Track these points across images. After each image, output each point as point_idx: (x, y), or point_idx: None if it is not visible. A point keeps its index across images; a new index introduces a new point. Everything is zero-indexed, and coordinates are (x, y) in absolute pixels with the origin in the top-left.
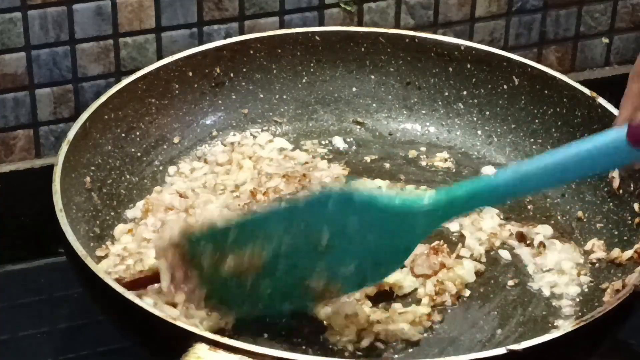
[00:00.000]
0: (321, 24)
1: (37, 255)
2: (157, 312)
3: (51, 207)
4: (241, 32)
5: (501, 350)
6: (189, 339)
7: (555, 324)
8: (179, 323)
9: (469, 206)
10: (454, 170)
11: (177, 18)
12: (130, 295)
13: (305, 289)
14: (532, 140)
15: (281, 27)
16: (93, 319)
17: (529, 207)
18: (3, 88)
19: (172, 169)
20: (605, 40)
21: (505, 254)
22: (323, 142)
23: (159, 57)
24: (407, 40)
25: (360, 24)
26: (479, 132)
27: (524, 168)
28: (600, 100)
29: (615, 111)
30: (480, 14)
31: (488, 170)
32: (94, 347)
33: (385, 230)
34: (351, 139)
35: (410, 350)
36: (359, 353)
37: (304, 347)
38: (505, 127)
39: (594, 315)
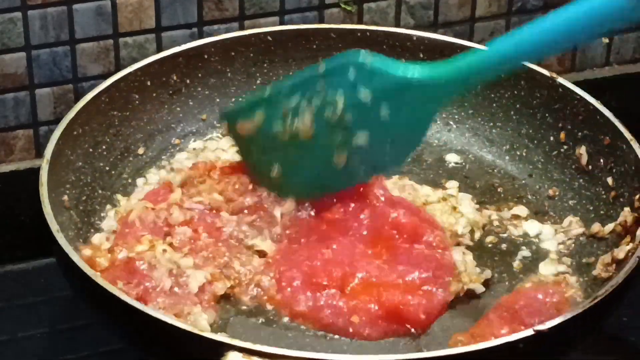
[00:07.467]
0: (321, 23)
1: (37, 255)
2: (187, 327)
3: None
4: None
5: (528, 332)
6: (221, 349)
7: None
8: (209, 335)
9: (481, 75)
10: (417, 158)
11: (177, 18)
12: (157, 313)
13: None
14: (491, 124)
15: (281, 25)
16: (93, 320)
17: (499, 189)
18: (3, 88)
19: (140, 181)
20: (605, 40)
21: (489, 237)
22: None
23: None
24: (358, 34)
25: (360, 24)
26: (437, 119)
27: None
28: (561, 80)
29: (578, 90)
30: (480, 14)
31: (451, 158)
32: (94, 348)
33: (398, 102)
34: None
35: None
36: None
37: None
38: (462, 113)
39: (608, 290)
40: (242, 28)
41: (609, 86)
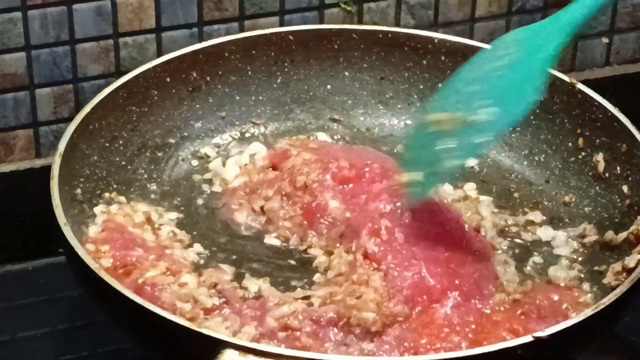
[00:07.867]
0: (321, 23)
1: (37, 255)
2: (184, 323)
3: (51, 207)
4: (241, 32)
5: (527, 338)
6: (218, 346)
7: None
8: (206, 331)
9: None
10: None
11: (177, 18)
12: (157, 309)
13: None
14: (510, 128)
15: (281, 27)
16: (93, 320)
17: (515, 194)
18: (3, 88)
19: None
20: (605, 40)
21: (504, 242)
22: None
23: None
24: (379, 35)
25: (360, 24)
26: None
27: None
28: (580, 86)
29: (597, 96)
30: (480, 14)
31: (470, 161)
32: (94, 348)
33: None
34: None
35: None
36: None
37: None
38: None
39: (611, 298)
40: (242, 28)
41: (609, 86)
